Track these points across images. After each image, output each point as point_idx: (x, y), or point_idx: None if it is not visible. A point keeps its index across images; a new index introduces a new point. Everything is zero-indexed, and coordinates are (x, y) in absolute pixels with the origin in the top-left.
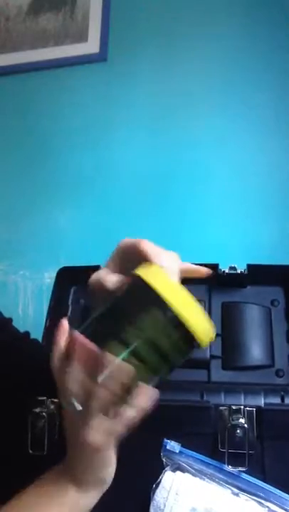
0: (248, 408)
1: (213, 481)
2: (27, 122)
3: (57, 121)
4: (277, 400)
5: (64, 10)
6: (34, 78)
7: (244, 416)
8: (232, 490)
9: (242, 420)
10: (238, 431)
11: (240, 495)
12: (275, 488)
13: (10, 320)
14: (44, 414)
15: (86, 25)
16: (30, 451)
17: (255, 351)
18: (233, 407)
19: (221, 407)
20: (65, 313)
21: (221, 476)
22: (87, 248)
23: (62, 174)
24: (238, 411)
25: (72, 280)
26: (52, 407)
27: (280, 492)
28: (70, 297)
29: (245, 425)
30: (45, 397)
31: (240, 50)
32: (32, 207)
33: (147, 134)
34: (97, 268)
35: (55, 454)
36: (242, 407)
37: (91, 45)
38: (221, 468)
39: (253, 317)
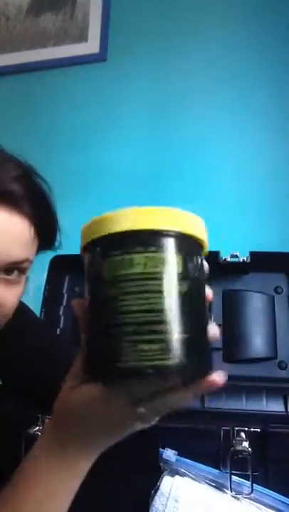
0: (252, 429)
1: (213, 485)
2: (27, 122)
3: (57, 121)
4: (280, 403)
5: (64, 10)
6: (34, 78)
7: (247, 438)
8: (232, 494)
9: (245, 444)
10: (241, 455)
11: (240, 499)
12: (276, 493)
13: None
14: (39, 433)
15: (86, 25)
16: None
17: (257, 343)
18: (236, 428)
19: (224, 428)
20: (61, 303)
21: (220, 481)
22: None
23: (62, 174)
24: (241, 431)
25: (66, 268)
26: (47, 421)
27: (283, 497)
28: (65, 285)
29: (249, 449)
30: (39, 415)
31: (239, 49)
32: None
33: (147, 133)
34: None
35: None
36: (245, 428)
37: (91, 45)
38: (220, 473)
39: (255, 306)
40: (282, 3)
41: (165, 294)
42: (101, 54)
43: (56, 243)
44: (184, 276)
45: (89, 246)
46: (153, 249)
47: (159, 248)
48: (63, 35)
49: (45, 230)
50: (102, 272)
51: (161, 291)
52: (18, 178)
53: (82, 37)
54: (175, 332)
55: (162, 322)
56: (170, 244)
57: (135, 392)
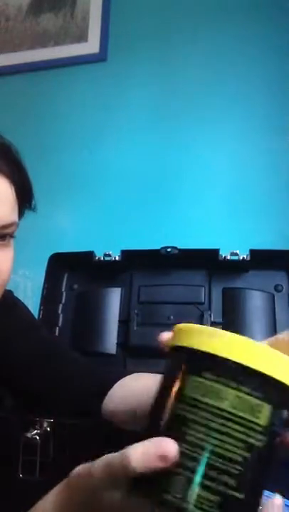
0: None
1: None
2: (27, 122)
3: (56, 121)
4: None
5: (64, 10)
6: (34, 78)
7: None
8: None
9: None
10: None
11: None
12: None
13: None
14: (37, 437)
15: (86, 25)
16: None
17: (257, 341)
18: None
19: None
20: (59, 301)
21: None
22: (87, 247)
23: (61, 174)
24: None
25: (65, 266)
26: (45, 424)
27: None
28: (64, 283)
29: None
30: (38, 418)
31: (239, 51)
32: None
33: (147, 133)
34: (90, 254)
35: (47, 479)
36: None
37: (91, 45)
38: None
39: (255, 304)
40: (283, 4)
41: (242, 445)
42: (101, 54)
43: (33, 204)
44: (264, 431)
45: (181, 350)
46: (248, 390)
47: (255, 393)
48: (63, 35)
49: (23, 189)
50: (185, 388)
51: (240, 441)
52: None
53: (82, 37)
54: (235, 489)
55: (228, 474)
56: (267, 394)
57: None
